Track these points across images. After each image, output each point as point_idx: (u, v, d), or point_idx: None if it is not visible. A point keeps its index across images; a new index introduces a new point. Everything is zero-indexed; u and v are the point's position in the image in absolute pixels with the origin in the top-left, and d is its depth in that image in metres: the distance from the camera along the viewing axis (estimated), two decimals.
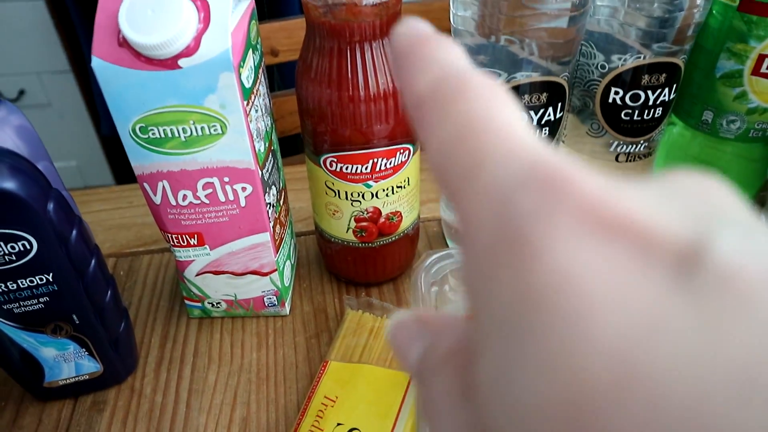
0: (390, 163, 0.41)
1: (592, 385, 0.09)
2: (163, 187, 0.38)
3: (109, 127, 1.55)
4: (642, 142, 0.45)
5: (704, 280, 0.09)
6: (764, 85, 0.44)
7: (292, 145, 0.87)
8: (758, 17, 0.41)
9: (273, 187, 0.42)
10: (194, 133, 0.36)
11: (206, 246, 0.41)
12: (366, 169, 0.41)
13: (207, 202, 0.39)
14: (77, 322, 0.38)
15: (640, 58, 0.41)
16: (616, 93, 0.43)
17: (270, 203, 0.41)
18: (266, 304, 0.46)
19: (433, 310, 0.15)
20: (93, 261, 0.38)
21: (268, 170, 0.41)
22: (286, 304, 0.47)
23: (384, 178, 0.41)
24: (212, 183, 0.38)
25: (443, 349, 0.15)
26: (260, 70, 0.40)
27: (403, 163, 0.42)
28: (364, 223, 0.44)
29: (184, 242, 0.41)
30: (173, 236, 0.41)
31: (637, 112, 0.43)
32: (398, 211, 0.44)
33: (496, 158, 0.12)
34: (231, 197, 0.39)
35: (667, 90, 0.43)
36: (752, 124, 0.46)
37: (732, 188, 0.12)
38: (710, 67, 0.45)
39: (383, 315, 0.44)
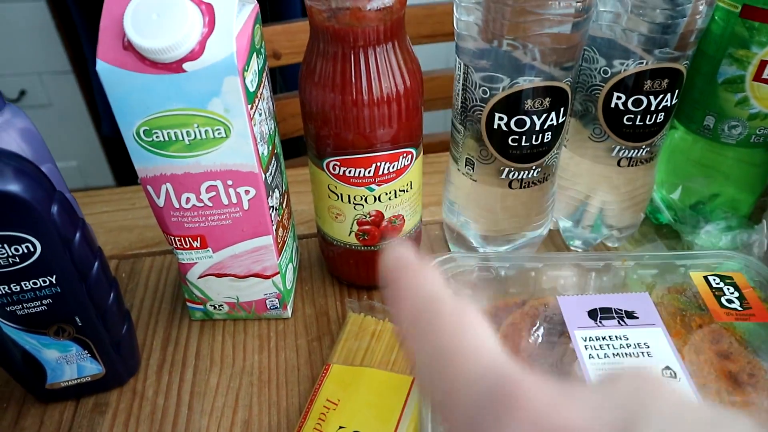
0: (393, 167, 0.41)
1: None
2: (167, 189, 0.38)
3: (109, 127, 1.55)
4: (644, 147, 0.45)
5: None
6: (766, 91, 0.44)
7: (294, 147, 0.87)
8: (760, 23, 0.42)
9: (276, 190, 0.42)
10: (198, 137, 0.36)
11: (209, 249, 0.41)
12: (369, 172, 0.41)
13: (210, 204, 0.39)
14: (80, 324, 0.38)
15: (642, 63, 0.41)
16: (619, 98, 0.43)
17: (273, 206, 0.41)
18: (268, 307, 0.46)
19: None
20: (96, 263, 0.38)
21: (271, 173, 0.41)
22: (288, 307, 0.47)
23: (387, 181, 0.42)
24: (215, 186, 0.38)
25: None
26: (264, 74, 0.40)
27: (405, 167, 0.42)
28: (367, 227, 0.44)
29: (186, 245, 0.41)
30: (176, 239, 0.41)
31: (639, 117, 0.44)
32: (401, 215, 0.44)
33: (466, 382, 0.16)
34: (234, 200, 0.39)
35: (669, 95, 0.43)
36: (753, 129, 0.46)
37: (659, 383, 0.15)
38: (712, 72, 0.46)
39: (385, 318, 0.44)
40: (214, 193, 0.39)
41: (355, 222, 0.44)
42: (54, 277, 0.35)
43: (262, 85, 0.39)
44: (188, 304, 0.46)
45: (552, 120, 0.41)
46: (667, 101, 0.43)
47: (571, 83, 0.41)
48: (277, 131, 0.44)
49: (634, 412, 0.14)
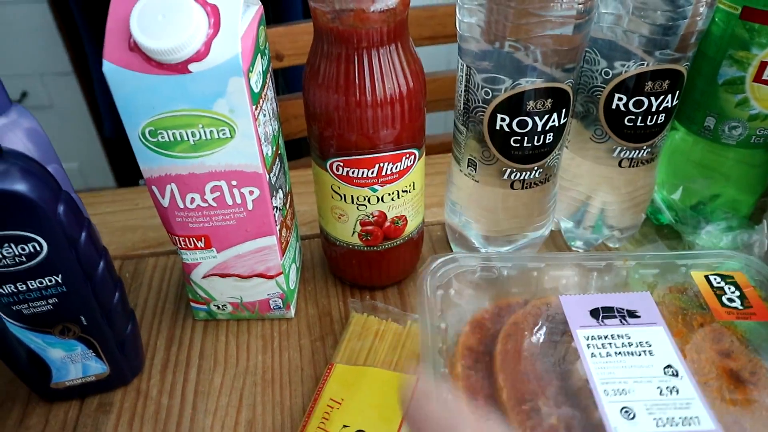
0: (396, 168, 0.42)
1: None
2: (172, 190, 0.39)
3: (112, 128, 1.56)
4: (645, 147, 0.46)
5: None
6: (766, 92, 0.44)
7: (297, 148, 0.88)
8: (760, 25, 0.42)
9: (280, 190, 0.43)
10: (203, 137, 0.36)
11: (213, 249, 0.42)
12: (372, 173, 0.41)
13: (214, 205, 0.39)
14: (85, 323, 0.38)
15: (643, 65, 0.42)
16: (620, 99, 0.43)
17: (276, 207, 0.42)
18: (272, 307, 0.46)
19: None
20: (101, 263, 0.38)
21: (275, 174, 0.41)
22: (292, 307, 0.47)
23: (390, 182, 0.42)
24: (220, 186, 0.39)
25: None
26: (268, 75, 0.40)
27: (408, 168, 0.42)
28: (370, 227, 0.44)
29: (191, 245, 0.41)
30: (180, 239, 0.41)
31: (640, 118, 0.44)
32: (403, 215, 0.44)
33: None
34: (238, 200, 0.39)
35: (670, 96, 0.43)
36: (754, 130, 0.46)
37: None
38: (712, 74, 0.46)
39: (388, 318, 0.44)
40: (218, 194, 0.39)
41: (358, 222, 0.44)
42: (60, 276, 0.36)
43: (267, 86, 0.40)
44: (192, 304, 0.46)
45: (554, 121, 0.41)
46: (667, 102, 0.44)
47: (573, 84, 0.41)
48: (281, 132, 0.45)
49: None
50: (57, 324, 0.38)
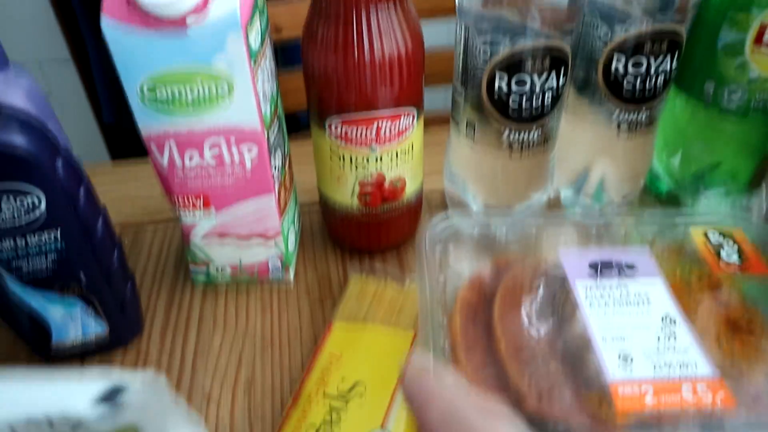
0: (395, 128, 0.42)
1: None
2: (170, 148, 0.39)
3: (111, 114, 1.56)
4: (644, 110, 0.46)
5: None
6: (765, 55, 0.44)
7: (294, 123, 0.87)
8: None
9: (278, 150, 0.43)
10: (202, 94, 0.36)
11: (212, 208, 0.42)
12: (371, 133, 0.41)
13: (213, 163, 0.39)
14: (84, 282, 0.38)
15: (642, 26, 0.41)
16: (618, 61, 0.43)
17: (275, 166, 0.42)
18: (270, 271, 0.46)
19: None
20: (100, 220, 0.38)
21: (273, 133, 0.41)
22: (291, 271, 0.47)
23: (388, 142, 0.42)
24: (219, 144, 0.39)
25: None
26: (267, 34, 0.40)
27: (407, 128, 0.42)
28: (369, 189, 0.44)
29: (190, 205, 0.41)
30: (179, 198, 0.41)
31: (639, 80, 0.44)
32: (402, 178, 0.45)
33: None
34: (237, 159, 0.39)
35: (669, 58, 0.43)
36: (753, 94, 0.46)
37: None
38: (712, 37, 0.46)
39: (387, 279, 0.44)
40: (217, 151, 0.39)
41: (356, 184, 0.44)
42: (58, 232, 0.36)
43: (265, 44, 0.40)
44: (191, 267, 0.46)
45: (552, 81, 0.41)
46: (666, 65, 0.43)
47: (572, 45, 0.41)
48: (279, 95, 0.45)
49: None
50: (57, 282, 0.38)
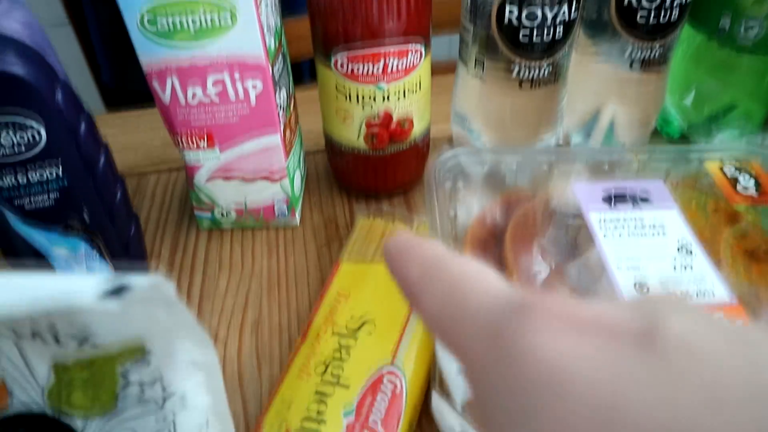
0: (402, 64, 0.40)
1: (582, 427, 0.12)
2: (173, 83, 0.38)
3: (110, 76, 1.54)
4: (657, 46, 0.44)
5: (658, 351, 0.13)
6: None
7: (297, 73, 0.86)
8: None
9: (283, 88, 0.42)
10: (204, 24, 0.35)
11: (216, 148, 0.41)
12: (377, 69, 0.40)
13: (217, 100, 0.39)
14: (88, 220, 0.38)
15: None
16: None
17: (280, 104, 0.41)
18: (276, 214, 0.45)
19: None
20: (102, 157, 0.37)
21: (278, 69, 0.40)
22: (297, 214, 0.46)
23: (396, 79, 0.41)
24: (222, 80, 0.38)
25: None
26: None
27: (414, 66, 0.41)
28: (375, 128, 0.43)
29: (193, 144, 0.41)
30: (183, 137, 0.40)
31: (653, 13, 0.42)
32: (409, 117, 0.44)
33: (479, 303, 0.16)
34: (241, 95, 0.38)
35: None
36: None
37: (686, 300, 0.15)
38: None
39: (394, 220, 0.43)
40: (220, 87, 0.38)
41: (363, 124, 0.43)
42: (60, 167, 0.35)
43: None
44: (196, 212, 0.46)
45: (564, 14, 0.40)
46: None
47: None
48: (284, 31, 0.43)
49: (660, 310, 0.13)
50: (60, 220, 0.37)
